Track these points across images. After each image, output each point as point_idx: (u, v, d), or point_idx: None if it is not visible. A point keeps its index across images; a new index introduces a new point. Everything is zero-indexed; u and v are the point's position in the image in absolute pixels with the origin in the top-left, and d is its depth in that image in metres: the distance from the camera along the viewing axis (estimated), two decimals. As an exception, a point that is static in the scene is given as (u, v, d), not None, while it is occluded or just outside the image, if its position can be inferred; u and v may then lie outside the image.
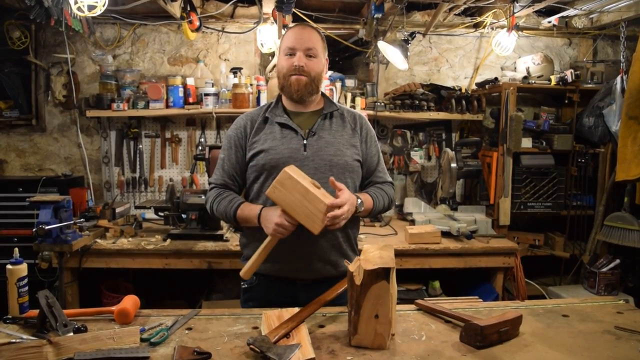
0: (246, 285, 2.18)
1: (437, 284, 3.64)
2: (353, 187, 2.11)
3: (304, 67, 2.02)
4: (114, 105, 4.00)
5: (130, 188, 4.35)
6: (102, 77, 4.13)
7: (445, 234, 3.53)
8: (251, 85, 4.08)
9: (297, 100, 2.09)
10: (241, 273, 1.90)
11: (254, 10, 4.25)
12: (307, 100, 2.11)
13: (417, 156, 4.43)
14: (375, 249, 1.73)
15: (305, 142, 2.05)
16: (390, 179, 2.23)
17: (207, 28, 4.30)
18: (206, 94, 4.05)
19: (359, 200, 1.96)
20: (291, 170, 1.81)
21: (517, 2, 3.77)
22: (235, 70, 4.10)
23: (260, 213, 1.93)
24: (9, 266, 1.81)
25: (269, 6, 3.87)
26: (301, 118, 2.12)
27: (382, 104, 4.13)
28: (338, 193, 1.86)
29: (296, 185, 1.78)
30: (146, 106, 4.04)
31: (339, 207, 1.80)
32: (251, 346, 1.51)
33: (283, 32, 3.86)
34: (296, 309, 1.76)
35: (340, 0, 4.05)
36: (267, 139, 2.07)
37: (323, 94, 2.22)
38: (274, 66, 4.06)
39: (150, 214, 3.96)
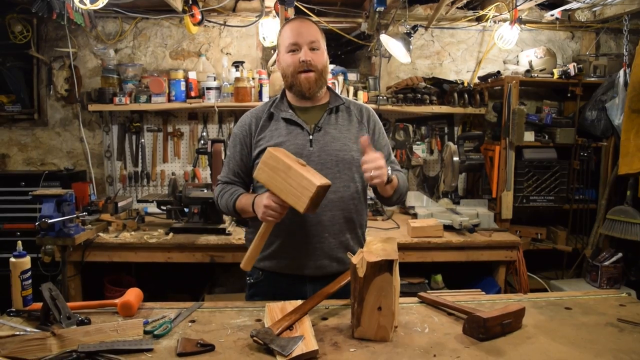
0: (252, 280, 2.17)
1: (439, 277, 3.65)
2: (360, 182, 2.09)
3: (312, 62, 1.98)
4: (116, 100, 4.00)
5: (132, 182, 4.35)
6: (104, 71, 4.13)
7: (448, 228, 3.53)
8: (253, 79, 4.07)
9: (310, 97, 2.06)
10: (242, 265, 1.88)
11: (255, 3, 4.25)
12: (318, 94, 2.08)
13: (420, 150, 4.42)
14: (378, 242, 1.73)
15: (311, 137, 2.03)
16: (402, 170, 2.20)
17: (209, 22, 4.29)
18: (208, 88, 4.05)
19: (388, 168, 1.86)
20: (276, 151, 1.79)
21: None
22: (237, 64, 4.09)
23: (254, 201, 1.90)
24: (12, 259, 1.81)
25: (271, -1, 3.86)
26: (307, 113, 2.10)
27: (385, 97, 4.13)
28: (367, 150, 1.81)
29: (279, 163, 1.75)
30: (148, 100, 4.04)
31: (374, 159, 1.76)
32: (254, 338, 1.51)
33: (286, 23, 3.85)
34: (299, 302, 1.76)
35: (342, -7, 4.05)
36: (273, 135, 2.05)
37: (328, 88, 2.20)
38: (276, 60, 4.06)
39: (152, 208, 3.97)
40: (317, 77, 2.02)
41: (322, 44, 2.06)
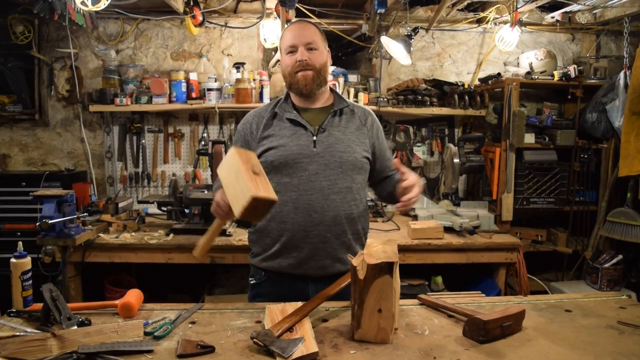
0: (254, 281, 2.18)
1: (439, 279, 3.64)
2: (362, 183, 2.13)
3: (308, 61, 2.03)
4: (117, 100, 4.00)
5: (133, 183, 4.35)
6: (105, 72, 4.14)
7: (448, 230, 3.53)
8: (254, 80, 4.08)
9: (307, 94, 2.09)
10: (194, 252, 1.87)
11: (257, 5, 4.25)
12: (317, 93, 2.11)
13: (420, 152, 4.42)
14: (378, 244, 1.72)
15: (315, 138, 2.05)
16: None
17: (210, 23, 4.30)
18: (209, 89, 4.05)
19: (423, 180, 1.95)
20: (238, 152, 1.71)
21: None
22: (238, 65, 4.10)
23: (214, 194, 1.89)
24: (13, 260, 1.81)
25: (272, 1, 3.86)
26: (311, 114, 2.12)
27: (385, 99, 4.13)
28: (404, 176, 1.88)
29: (234, 165, 1.69)
30: (149, 101, 4.05)
31: (412, 189, 1.85)
32: (255, 340, 1.52)
33: (286, 27, 3.86)
34: (299, 303, 1.76)
35: (343, -5, 4.06)
36: (277, 135, 2.07)
37: (332, 90, 2.22)
38: (277, 61, 4.06)
39: (153, 209, 3.96)
40: (315, 75, 2.05)
41: (321, 44, 2.10)
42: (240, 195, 1.61)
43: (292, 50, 2.06)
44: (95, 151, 4.38)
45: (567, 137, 4.08)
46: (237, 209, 1.63)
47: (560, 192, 4.11)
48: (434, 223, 3.48)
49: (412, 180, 1.86)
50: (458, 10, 4.31)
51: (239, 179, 1.64)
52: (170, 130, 4.35)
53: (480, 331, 1.58)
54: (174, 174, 4.34)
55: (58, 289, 1.71)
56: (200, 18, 4.03)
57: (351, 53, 4.70)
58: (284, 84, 2.16)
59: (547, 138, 4.12)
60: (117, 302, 1.80)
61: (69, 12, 3.38)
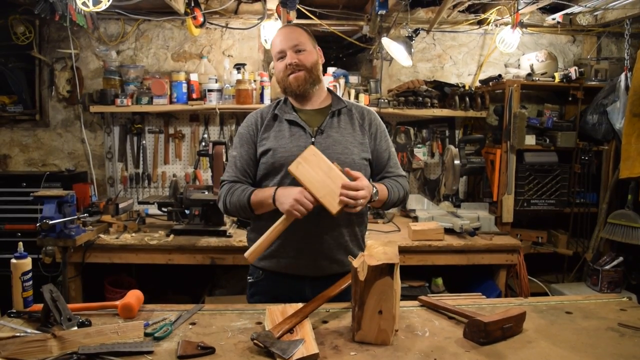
0: (252, 280, 2.19)
1: (440, 280, 3.64)
2: None
3: (298, 63, 2.06)
4: (118, 101, 4.00)
5: (133, 183, 4.35)
6: (105, 72, 4.14)
7: (448, 231, 3.53)
8: (255, 81, 4.07)
9: (302, 94, 2.11)
10: (246, 254, 1.87)
11: (257, 6, 4.25)
12: (311, 92, 2.12)
13: (421, 153, 4.42)
14: (379, 245, 1.73)
15: (313, 140, 2.05)
16: (403, 173, 2.22)
17: (211, 24, 4.30)
18: (210, 90, 4.05)
19: (374, 189, 1.94)
20: (318, 150, 1.84)
21: (522, -1, 3.77)
22: (238, 66, 4.10)
23: (276, 192, 1.92)
24: (13, 260, 1.81)
25: (273, 2, 3.86)
26: (309, 115, 2.13)
27: (386, 100, 4.13)
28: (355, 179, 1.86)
29: (320, 162, 1.79)
30: (150, 102, 4.05)
31: (356, 189, 1.80)
32: (255, 341, 1.51)
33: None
34: (300, 305, 1.76)
35: (344, -4, 4.06)
36: (276, 136, 2.08)
37: (330, 91, 2.23)
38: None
39: (153, 210, 3.97)
40: (306, 74, 2.08)
41: (309, 45, 2.12)
42: (338, 191, 1.76)
43: (282, 55, 2.09)
44: (95, 152, 4.39)
45: (568, 139, 4.08)
46: (336, 205, 1.77)
47: (561, 194, 4.11)
48: (434, 224, 3.48)
49: (360, 182, 1.84)
50: (459, 11, 4.31)
51: (332, 177, 1.77)
52: (171, 131, 4.35)
53: (481, 333, 1.58)
54: (174, 175, 4.34)
55: (58, 290, 1.71)
56: (201, 19, 4.03)
57: (352, 54, 4.70)
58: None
59: (547, 140, 4.12)
60: (117, 302, 1.79)
61: (70, 13, 3.39)
